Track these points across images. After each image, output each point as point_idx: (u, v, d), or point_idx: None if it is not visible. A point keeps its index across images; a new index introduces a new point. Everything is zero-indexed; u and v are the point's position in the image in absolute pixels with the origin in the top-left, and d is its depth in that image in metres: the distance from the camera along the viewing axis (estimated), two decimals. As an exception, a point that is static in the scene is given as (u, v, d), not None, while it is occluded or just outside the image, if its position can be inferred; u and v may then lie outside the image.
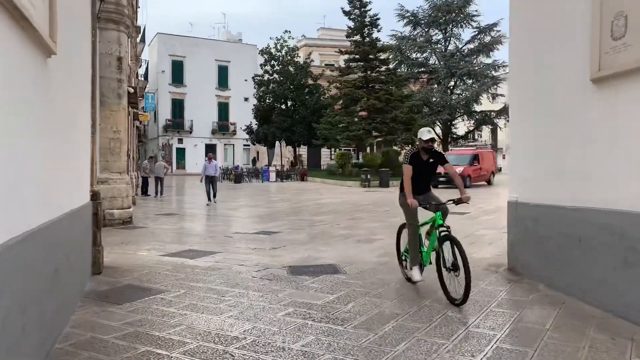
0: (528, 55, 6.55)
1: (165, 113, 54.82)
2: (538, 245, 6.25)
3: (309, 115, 41.08)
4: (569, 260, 5.59)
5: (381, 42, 34.45)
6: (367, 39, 33.26)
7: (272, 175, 36.10)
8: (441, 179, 23.39)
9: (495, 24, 46.10)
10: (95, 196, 7.11)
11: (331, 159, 51.51)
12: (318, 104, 40.88)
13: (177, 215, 14.96)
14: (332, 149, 50.19)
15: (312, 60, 47.78)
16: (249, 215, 14.83)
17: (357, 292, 5.91)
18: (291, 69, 43.15)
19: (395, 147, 34.80)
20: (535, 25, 6.34)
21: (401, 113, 31.70)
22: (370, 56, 32.91)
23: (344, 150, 39.85)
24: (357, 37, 33.53)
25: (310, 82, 43.06)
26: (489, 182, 28.46)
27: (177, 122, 54.75)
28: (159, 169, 22.87)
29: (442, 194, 6.76)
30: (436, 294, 5.74)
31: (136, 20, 19.78)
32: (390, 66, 34.68)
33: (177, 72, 55.28)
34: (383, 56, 34.24)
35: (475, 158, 27.29)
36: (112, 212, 12.12)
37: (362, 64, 33.09)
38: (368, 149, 35.25)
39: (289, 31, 43.45)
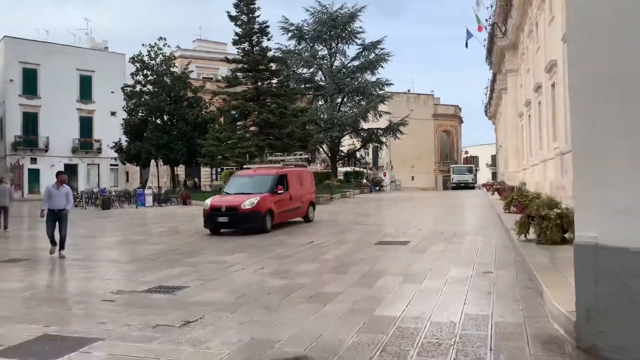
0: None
1: (14, 128, 46.98)
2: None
3: (189, 130, 37.07)
4: None
5: (272, 52, 31.89)
6: (257, 47, 30.52)
7: (149, 199, 31.51)
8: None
9: (379, 42, 46.13)
10: None
11: (213, 180, 47.64)
12: (200, 118, 37.06)
13: (27, 262, 10.76)
14: (215, 168, 46.41)
15: (192, 71, 43.94)
16: (132, 258, 11.09)
17: None
18: (167, 79, 38.89)
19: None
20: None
21: (297, 128, 29.24)
22: (261, 66, 30.16)
23: (229, 169, 36.42)
24: (245, 45, 30.65)
25: (190, 94, 39.11)
26: (307, 218, 17.74)
27: (29, 139, 47.15)
28: (3, 195, 17.79)
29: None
30: None
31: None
32: (280, 78, 32.15)
33: (30, 82, 47.81)
34: (274, 67, 31.64)
35: (281, 181, 16.30)
36: None
37: (251, 74, 30.21)
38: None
39: (164, 38, 39.26)
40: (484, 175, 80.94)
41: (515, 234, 9.81)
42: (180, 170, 47.12)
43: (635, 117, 4.12)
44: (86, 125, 50.86)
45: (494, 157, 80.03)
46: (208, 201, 15.75)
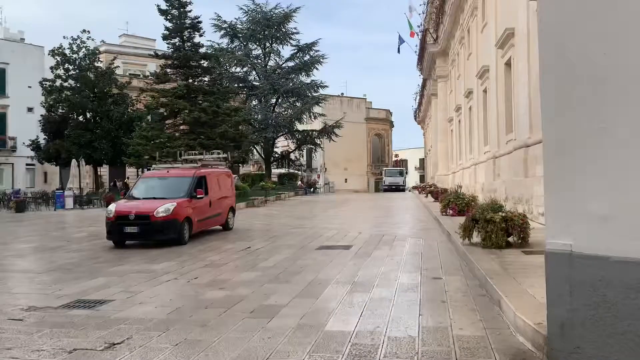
0: None
1: None
2: (645, 334, 3.57)
3: (114, 129, 35.03)
4: None
5: (204, 49, 30.66)
6: (188, 43, 29.24)
7: (69, 201, 29.38)
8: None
9: (314, 43, 45.94)
10: None
11: (140, 181, 45.57)
12: (126, 116, 35.11)
13: None
14: (141, 169, 44.30)
15: (117, 67, 41.76)
16: (48, 267, 9.95)
17: None
18: (91, 75, 36.60)
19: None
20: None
21: (231, 128, 28.24)
22: (192, 63, 28.92)
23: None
24: (176, 41, 29.28)
25: (115, 91, 36.99)
26: (227, 226, 15.35)
27: None
28: None
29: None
30: None
31: None
32: (213, 76, 31.00)
33: None
34: (206, 64, 30.42)
35: (200, 184, 13.86)
36: None
37: (182, 71, 28.89)
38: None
39: (88, 31, 36.95)
40: (412, 178, 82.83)
41: (459, 238, 9.62)
42: (104, 170, 44.62)
43: (617, 114, 3.83)
44: (-1, 121, 47.07)
45: (422, 161, 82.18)
46: (112, 207, 12.92)
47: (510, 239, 9.08)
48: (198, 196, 13.42)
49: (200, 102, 28.20)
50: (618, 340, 3.78)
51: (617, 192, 3.80)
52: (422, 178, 77.33)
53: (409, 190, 55.29)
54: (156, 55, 30.11)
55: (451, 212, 15.72)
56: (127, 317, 5.98)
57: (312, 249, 11.20)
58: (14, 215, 26.09)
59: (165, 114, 28.86)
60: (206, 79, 30.32)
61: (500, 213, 9.02)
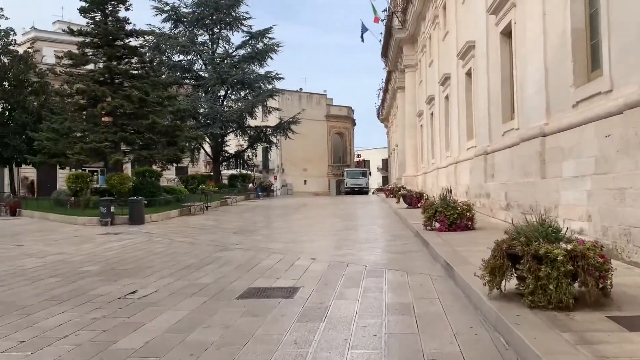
0: None
1: None
2: None
3: (31, 122, 29.71)
4: None
5: (132, 25, 25.79)
6: (112, 17, 24.36)
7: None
8: None
9: (268, 30, 41.54)
10: None
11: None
12: (45, 107, 29.84)
13: None
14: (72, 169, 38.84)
15: (44, 56, 36.33)
16: None
17: None
18: (5, 59, 31.15)
19: (154, 167, 26.24)
20: None
21: (163, 120, 23.47)
22: (117, 42, 24.09)
23: (84, 170, 29.47)
24: (98, 15, 24.33)
25: (34, 79, 31.58)
26: None
27: None
28: None
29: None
30: None
31: None
32: (144, 58, 26.06)
33: None
34: (135, 43, 25.57)
35: None
36: None
37: (103, 50, 24.01)
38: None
39: (1, 9, 31.42)
40: (374, 179, 79.42)
41: (484, 285, 5.49)
42: (30, 172, 38.92)
43: None
44: None
45: (385, 161, 78.83)
46: None
47: (575, 287, 5.01)
48: None
49: (127, 88, 23.42)
50: None
51: None
52: (385, 179, 73.95)
53: (373, 193, 51.58)
54: (70, 32, 25.04)
55: (438, 225, 11.66)
56: None
57: (232, 296, 6.87)
58: None
59: (83, 102, 23.92)
60: (134, 60, 25.45)
61: (562, 245, 4.95)
